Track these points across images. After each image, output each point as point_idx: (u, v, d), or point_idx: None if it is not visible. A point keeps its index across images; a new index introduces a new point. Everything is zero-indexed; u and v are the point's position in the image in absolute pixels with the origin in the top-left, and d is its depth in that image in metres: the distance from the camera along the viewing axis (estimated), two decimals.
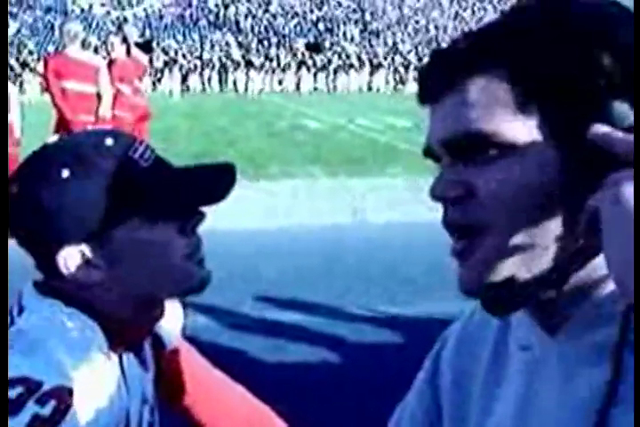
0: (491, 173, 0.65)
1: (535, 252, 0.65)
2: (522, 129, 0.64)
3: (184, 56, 34.50)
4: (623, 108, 0.62)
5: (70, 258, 0.98)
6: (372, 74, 35.47)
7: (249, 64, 33.92)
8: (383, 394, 3.17)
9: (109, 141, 1.00)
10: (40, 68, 11.23)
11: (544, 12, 0.66)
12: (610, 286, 0.65)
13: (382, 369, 3.52)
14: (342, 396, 3.25)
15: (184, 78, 32.27)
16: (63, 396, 0.89)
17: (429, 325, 4.04)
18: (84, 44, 6.81)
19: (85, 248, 0.98)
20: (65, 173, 0.97)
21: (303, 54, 37.03)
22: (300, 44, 39.32)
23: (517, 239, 0.65)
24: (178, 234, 1.01)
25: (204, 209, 1.04)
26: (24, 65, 28.80)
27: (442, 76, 0.68)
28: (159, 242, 1.00)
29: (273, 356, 3.71)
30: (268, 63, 34.63)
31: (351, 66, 35.67)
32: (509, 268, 0.66)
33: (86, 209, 0.97)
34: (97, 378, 0.97)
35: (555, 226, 0.65)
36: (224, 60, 35.02)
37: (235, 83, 33.27)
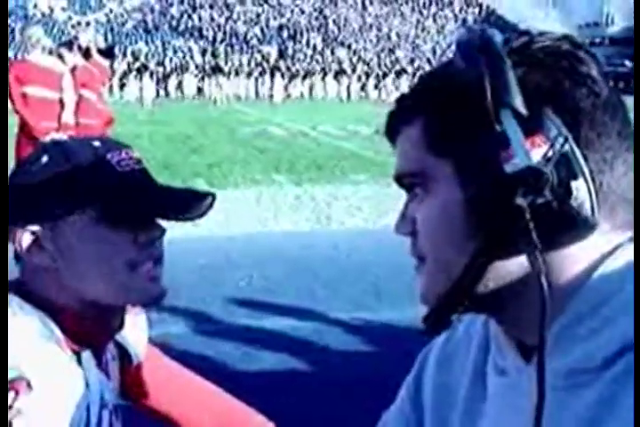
0: (421, 210, 0.73)
1: (453, 275, 0.71)
2: (433, 168, 0.71)
3: (149, 61, 34.26)
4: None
5: (25, 238, 1.04)
6: (333, 81, 35.54)
7: (213, 70, 33.77)
8: (350, 399, 3.20)
9: (97, 143, 1.07)
10: None
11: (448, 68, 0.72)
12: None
13: (351, 375, 3.55)
14: (308, 400, 3.27)
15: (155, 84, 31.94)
16: (18, 387, 0.92)
17: (394, 331, 4.10)
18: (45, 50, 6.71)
19: (39, 231, 1.04)
20: (44, 159, 1.05)
21: (268, 61, 37.00)
22: (264, 51, 39.29)
23: (440, 268, 0.72)
24: (131, 243, 1.04)
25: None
26: None
27: (390, 123, 0.77)
28: (105, 244, 1.03)
29: (242, 363, 3.72)
30: (231, 70, 34.52)
31: (313, 73, 35.73)
32: (438, 290, 0.72)
33: (46, 193, 1.04)
34: (52, 369, 0.98)
35: (464, 252, 0.70)
36: (187, 65, 34.85)
37: (199, 89, 33.09)
